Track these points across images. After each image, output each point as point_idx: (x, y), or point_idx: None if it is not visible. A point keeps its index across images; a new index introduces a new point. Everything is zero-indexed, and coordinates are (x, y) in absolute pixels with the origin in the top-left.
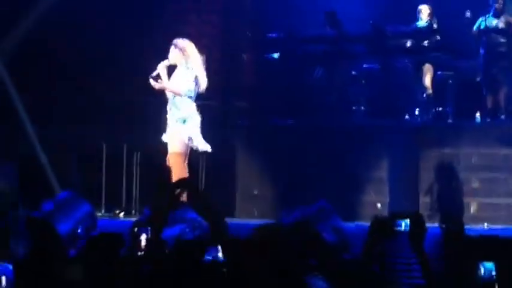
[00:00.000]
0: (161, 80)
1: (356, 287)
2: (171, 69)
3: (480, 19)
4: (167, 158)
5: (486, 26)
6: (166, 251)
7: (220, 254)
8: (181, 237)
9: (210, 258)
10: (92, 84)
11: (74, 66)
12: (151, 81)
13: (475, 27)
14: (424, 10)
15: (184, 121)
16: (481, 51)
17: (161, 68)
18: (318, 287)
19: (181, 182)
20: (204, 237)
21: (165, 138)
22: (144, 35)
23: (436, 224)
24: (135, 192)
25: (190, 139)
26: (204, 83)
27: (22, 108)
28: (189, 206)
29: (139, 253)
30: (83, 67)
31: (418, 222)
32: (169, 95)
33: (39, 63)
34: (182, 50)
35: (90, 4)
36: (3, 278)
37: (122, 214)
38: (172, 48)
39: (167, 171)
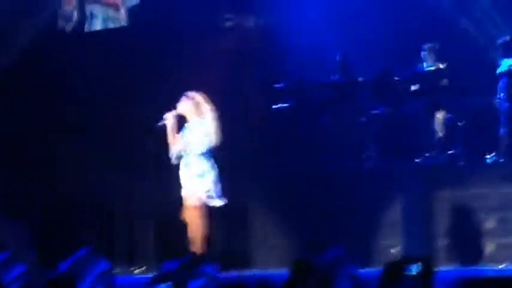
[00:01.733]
0: (168, 129)
1: None
2: (179, 120)
3: (506, 60)
4: (183, 212)
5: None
6: None
7: None
8: None
9: None
10: (101, 137)
11: (82, 121)
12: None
13: (501, 68)
14: (430, 50)
15: (203, 176)
16: (504, 90)
17: (170, 119)
18: None
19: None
20: None
21: (182, 192)
22: (153, 84)
23: (453, 267)
24: (151, 247)
25: (207, 194)
26: (217, 138)
27: (35, 167)
28: (205, 259)
29: None
30: (91, 118)
31: (427, 267)
32: (183, 150)
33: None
34: (196, 104)
35: (99, 56)
36: None
37: (138, 271)
38: (184, 100)
39: (184, 225)
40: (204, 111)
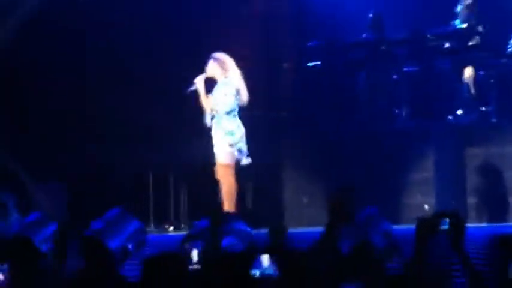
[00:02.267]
0: (199, 93)
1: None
2: (208, 83)
3: None
4: (215, 170)
5: None
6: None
7: (267, 267)
8: (229, 249)
9: (257, 272)
10: (134, 102)
11: (119, 84)
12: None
13: None
14: (465, 10)
15: (232, 134)
16: None
17: (199, 82)
18: None
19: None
20: (253, 248)
21: (214, 151)
22: (183, 49)
23: (484, 224)
24: (183, 206)
25: (239, 151)
26: (245, 96)
27: (68, 129)
28: (237, 217)
29: (190, 267)
30: (124, 85)
31: (456, 221)
32: (213, 110)
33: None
34: (221, 64)
35: (123, 22)
36: None
37: (171, 229)
38: (210, 61)
39: (216, 183)
40: (230, 70)
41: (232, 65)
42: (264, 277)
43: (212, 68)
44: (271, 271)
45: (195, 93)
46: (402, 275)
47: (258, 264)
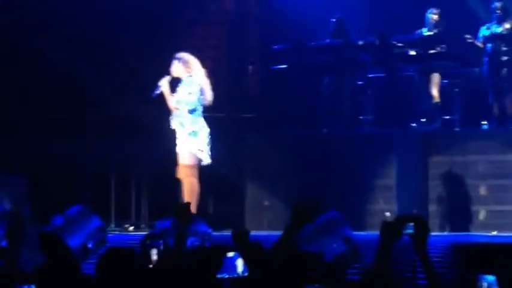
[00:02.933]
0: (165, 95)
1: None
2: (174, 83)
3: (483, 27)
4: (177, 170)
5: (489, 34)
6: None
7: (237, 266)
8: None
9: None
10: (98, 98)
11: (81, 80)
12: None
13: (480, 35)
14: (434, 17)
15: (195, 134)
16: (485, 58)
17: (164, 83)
18: None
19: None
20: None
21: (177, 151)
22: (149, 48)
23: (445, 232)
24: (144, 206)
25: (200, 151)
26: (209, 96)
27: (29, 122)
28: (199, 218)
29: (150, 266)
30: (89, 81)
31: (421, 225)
32: (176, 109)
33: (44, 74)
34: (185, 63)
35: (93, 18)
36: None
37: (131, 228)
38: (175, 62)
39: (178, 183)
40: (192, 69)
41: (196, 63)
42: (232, 278)
43: (176, 68)
44: (239, 272)
45: (161, 94)
46: (361, 280)
47: (228, 264)
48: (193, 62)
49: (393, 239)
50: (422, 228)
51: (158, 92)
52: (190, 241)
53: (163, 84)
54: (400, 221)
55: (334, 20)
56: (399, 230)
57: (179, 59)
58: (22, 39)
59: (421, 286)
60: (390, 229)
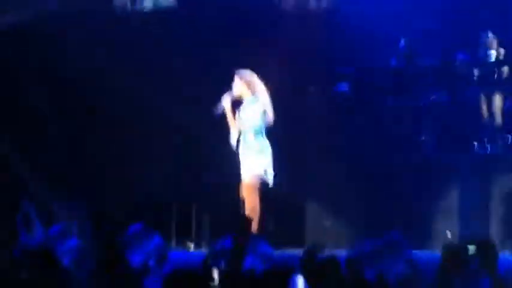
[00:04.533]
0: (227, 114)
1: None
2: (234, 102)
3: None
4: (241, 189)
5: None
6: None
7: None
8: (252, 270)
9: None
10: (157, 118)
11: (129, 102)
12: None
13: None
14: (491, 39)
15: (261, 153)
16: None
17: (226, 102)
18: None
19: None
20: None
21: (241, 170)
22: (212, 66)
23: (507, 252)
24: (205, 224)
25: (266, 171)
26: (271, 115)
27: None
28: (260, 238)
29: (212, 285)
30: (143, 100)
31: (489, 249)
32: (241, 129)
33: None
34: (248, 83)
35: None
36: None
37: (192, 246)
38: (237, 80)
39: (240, 202)
40: (256, 89)
41: (259, 83)
42: None
43: (239, 87)
44: None
45: (222, 112)
46: None
47: (292, 286)
48: (256, 81)
49: (454, 263)
50: (490, 250)
51: (221, 110)
52: (250, 261)
53: (225, 102)
54: (464, 246)
55: (402, 41)
56: (460, 254)
57: (242, 77)
58: None
59: None
60: (454, 255)
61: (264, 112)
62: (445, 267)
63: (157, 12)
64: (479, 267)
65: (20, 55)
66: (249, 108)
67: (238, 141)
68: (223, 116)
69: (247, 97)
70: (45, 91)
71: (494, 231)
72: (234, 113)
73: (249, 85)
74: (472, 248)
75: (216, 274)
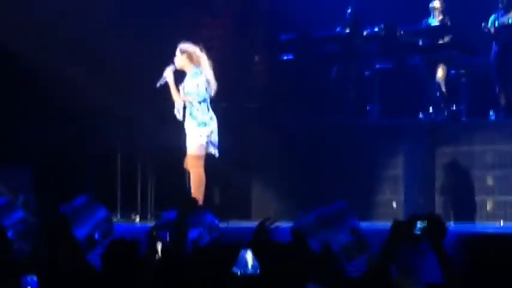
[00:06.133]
0: (170, 85)
1: None
2: (177, 74)
3: (492, 16)
4: (185, 161)
5: (499, 23)
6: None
7: (251, 264)
8: (198, 241)
9: (238, 271)
10: (106, 88)
11: (83, 74)
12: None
13: (489, 24)
14: (437, 7)
15: (205, 124)
16: (494, 48)
17: (168, 75)
18: None
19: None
20: (221, 240)
21: (186, 141)
22: (154, 38)
23: (451, 223)
24: (151, 196)
25: (211, 142)
26: (214, 86)
27: (36, 112)
28: (205, 209)
29: (157, 257)
30: (91, 74)
31: (437, 224)
32: (185, 101)
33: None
34: (190, 55)
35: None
36: None
37: (137, 219)
38: (178, 53)
39: (184, 173)
40: (199, 61)
41: (201, 55)
42: (245, 275)
43: (181, 60)
44: (253, 269)
45: (165, 85)
46: (362, 279)
47: (240, 261)
48: (198, 53)
49: (402, 238)
50: (439, 227)
51: (163, 82)
52: (197, 232)
53: (168, 75)
54: (411, 220)
55: (349, 10)
56: (409, 229)
57: (184, 51)
58: None
59: (436, 285)
60: (400, 228)
61: (208, 83)
62: (391, 240)
63: None
64: (426, 241)
65: None
66: (193, 80)
67: (183, 112)
68: (167, 88)
69: (190, 69)
70: None
71: (437, 200)
72: (177, 85)
73: (191, 57)
74: (420, 223)
75: (159, 246)
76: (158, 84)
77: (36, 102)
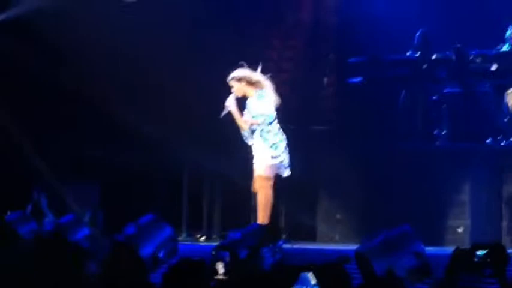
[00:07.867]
0: (233, 114)
1: None
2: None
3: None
4: (253, 182)
5: None
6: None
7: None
8: (262, 262)
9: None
10: (173, 111)
11: (161, 88)
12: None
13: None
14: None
15: (276, 146)
16: None
17: (231, 104)
18: None
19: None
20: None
21: (254, 162)
22: (222, 59)
23: None
24: (217, 217)
25: (280, 163)
26: (277, 103)
27: (102, 129)
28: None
29: (216, 277)
30: (158, 95)
31: (500, 252)
32: (253, 124)
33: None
34: (249, 80)
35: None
36: None
37: (203, 238)
38: (234, 83)
39: (252, 195)
40: (260, 83)
41: (257, 76)
42: None
43: (241, 87)
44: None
45: (229, 114)
46: None
47: (301, 282)
48: (255, 76)
49: (462, 266)
50: (501, 255)
51: (226, 112)
52: (261, 254)
53: (231, 104)
54: (473, 249)
55: (419, 34)
56: (470, 258)
57: (240, 79)
58: None
59: None
60: (461, 256)
61: (272, 103)
62: (452, 267)
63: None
64: (489, 270)
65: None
66: (259, 103)
67: (252, 135)
68: (229, 115)
69: (252, 93)
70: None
71: (505, 226)
72: (240, 111)
73: (250, 82)
74: (480, 251)
75: (221, 266)
76: (222, 115)
77: (104, 123)
